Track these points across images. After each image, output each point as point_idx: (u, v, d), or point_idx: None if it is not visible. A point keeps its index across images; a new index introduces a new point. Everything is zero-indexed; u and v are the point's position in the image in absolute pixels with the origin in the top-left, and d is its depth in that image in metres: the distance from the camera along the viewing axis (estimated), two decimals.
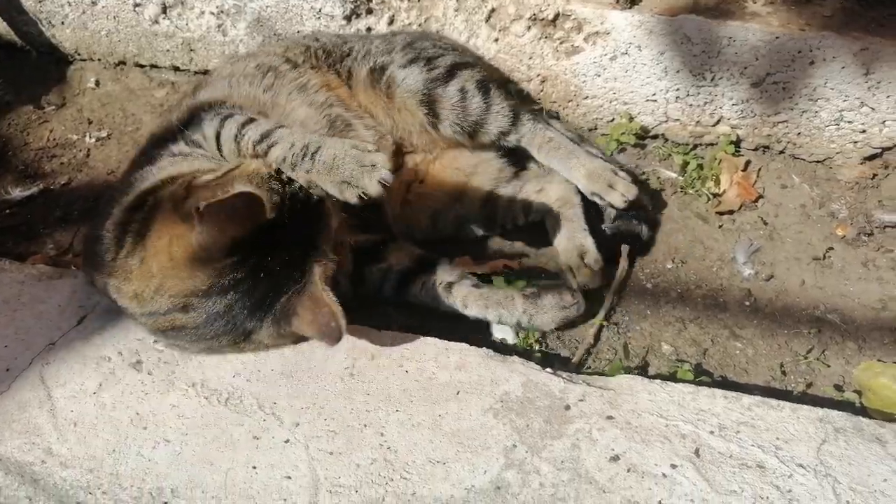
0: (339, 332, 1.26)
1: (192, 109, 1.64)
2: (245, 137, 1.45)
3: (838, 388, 1.55)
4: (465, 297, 1.62)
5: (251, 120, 1.51)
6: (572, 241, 1.75)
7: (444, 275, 1.65)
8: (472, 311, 1.61)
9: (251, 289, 1.30)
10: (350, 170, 1.32)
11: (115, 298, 1.38)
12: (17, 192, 2.07)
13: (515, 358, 1.42)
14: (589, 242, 1.74)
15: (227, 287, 1.28)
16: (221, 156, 1.50)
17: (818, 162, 1.99)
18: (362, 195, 1.31)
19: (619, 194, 1.72)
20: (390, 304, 1.67)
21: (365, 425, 1.30)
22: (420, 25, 2.06)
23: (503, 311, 1.60)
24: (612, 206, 1.74)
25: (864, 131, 1.89)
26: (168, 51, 2.32)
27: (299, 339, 1.40)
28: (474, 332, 1.61)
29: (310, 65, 1.83)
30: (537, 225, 1.85)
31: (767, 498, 1.17)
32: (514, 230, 1.87)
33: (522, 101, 2.02)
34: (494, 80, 1.89)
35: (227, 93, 1.71)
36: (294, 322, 1.32)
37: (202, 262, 1.27)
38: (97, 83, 2.38)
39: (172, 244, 1.28)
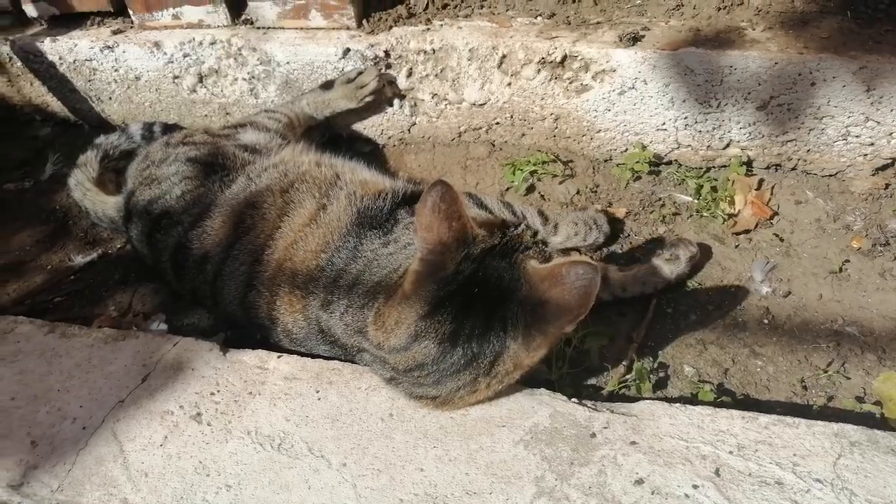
0: (595, 270, 1.25)
1: None
2: (532, 224, 1.84)
3: (859, 399, 1.60)
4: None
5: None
6: None
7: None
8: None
9: (471, 305, 1.35)
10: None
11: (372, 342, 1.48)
12: (79, 259, 2.26)
13: (543, 390, 1.52)
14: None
15: (445, 300, 1.35)
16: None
17: (830, 176, 2.05)
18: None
19: None
20: None
21: (406, 462, 1.41)
22: (437, 76, 2.19)
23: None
24: None
25: (872, 144, 1.94)
26: (206, 115, 2.50)
27: (547, 355, 1.42)
28: None
29: None
30: None
31: None
32: None
33: None
34: None
35: None
36: (549, 311, 1.32)
37: (421, 281, 1.37)
38: None
39: (407, 278, 1.41)
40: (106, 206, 2.24)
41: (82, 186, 2.31)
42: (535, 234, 1.49)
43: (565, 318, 1.33)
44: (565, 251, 1.88)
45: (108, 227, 2.29)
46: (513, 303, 1.34)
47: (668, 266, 1.83)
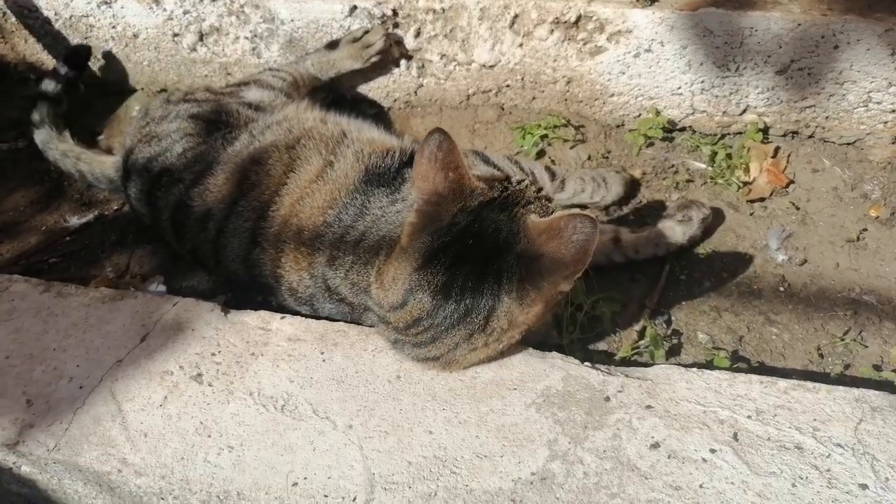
0: (594, 224, 1.21)
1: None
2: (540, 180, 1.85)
3: (877, 368, 1.57)
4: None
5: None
6: None
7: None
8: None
9: (465, 257, 1.31)
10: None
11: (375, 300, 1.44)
12: (74, 220, 2.20)
13: (555, 353, 1.47)
14: None
15: (439, 251, 1.31)
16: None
17: (849, 144, 2.00)
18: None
19: None
20: None
21: (414, 425, 1.37)
22: (446, 36, 2.12)
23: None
24: None
25: (894, 111, 1.89)
26: (206, 76, 2.43)
27: (543, 313, 1.37)
28: None
29: None
30: None
31: (807, 478, 1.20)
32: None
33: None
34: None
35: None
36: (543, 266, 1.27)
37: (416, 233, 1.34)
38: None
39: (404, 230, 1.38)
40: (104, 166, 2.18)
41: (72, 153, 2.25)
42: (540, 189, 1.44)
43: (560, 273, 1.28)
44: (572, 209, 1.84)
45: (106, 188, 2.23)
46: (509, 256, 1.30)
47: (681, 227, 1.79)
